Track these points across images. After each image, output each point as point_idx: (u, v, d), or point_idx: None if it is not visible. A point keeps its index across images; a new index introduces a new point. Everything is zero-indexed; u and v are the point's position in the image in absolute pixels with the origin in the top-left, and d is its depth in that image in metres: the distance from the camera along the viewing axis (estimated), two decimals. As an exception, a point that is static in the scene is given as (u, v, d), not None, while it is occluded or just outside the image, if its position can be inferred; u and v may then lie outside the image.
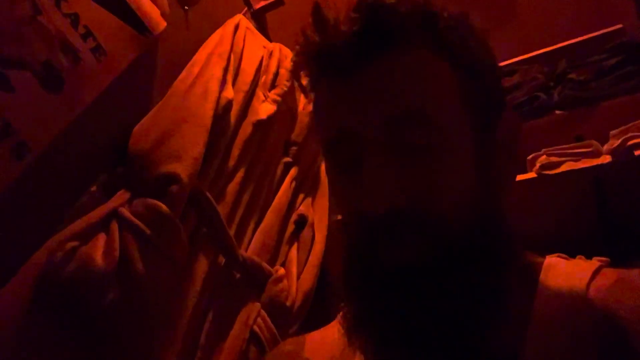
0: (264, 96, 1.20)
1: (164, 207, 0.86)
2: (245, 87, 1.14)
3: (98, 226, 0.82)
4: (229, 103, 1.05)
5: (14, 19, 0.76)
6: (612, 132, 1.21)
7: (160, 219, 0.86)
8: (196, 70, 1.04)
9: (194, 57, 1.09)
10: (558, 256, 0.52)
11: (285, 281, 1.10)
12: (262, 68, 1.23)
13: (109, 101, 0.91)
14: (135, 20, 0.96)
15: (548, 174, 1.25)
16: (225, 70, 1.07)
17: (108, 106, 0.91)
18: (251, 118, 1.13)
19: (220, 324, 0.98)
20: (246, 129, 1.11)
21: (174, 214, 0.87)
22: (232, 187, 1.06)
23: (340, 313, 0.50)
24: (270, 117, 1.17)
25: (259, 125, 1.14)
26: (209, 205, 0.97)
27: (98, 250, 0.79)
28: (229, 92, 1.06)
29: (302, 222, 1.23)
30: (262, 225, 1.13)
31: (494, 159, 0.48)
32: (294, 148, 1.28)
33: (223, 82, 1.05)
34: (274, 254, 1.14)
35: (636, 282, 0.45)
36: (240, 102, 1.11)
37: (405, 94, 0.44)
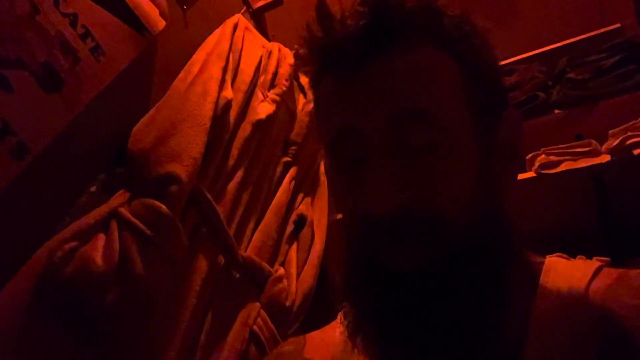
0: (263, 96, 1.20)
1: (163, 207, 0.86)
2: (244, 87, 1.13)
3: (98, 226, 0.82)
4: (228, 103, 1.05)
5: (12, 18, 0.76)
6: (611, 131, 1.22)
7: (160, 219, 0.85)
8: (195, 70, 1.04)
9: (193, 57, 1.09)
10: (558, 256, 0.52)
11: (284, 281, 1.10)
12: (261, 68, 1.22)
13: (108, 101, 0.91)
14: (134, 20, 0.96)
15: (547, 173, 1.26)
16: (224, 69, 1.07)
17: (107, 106, 0.91)
18: (250, 118, 1.13)
19: (220, 323, 0.98)
20: (245, 129, 1.11)
21: (173, 214, 0.87)
22: (231, 187, 1.06)
23: (341, 313, 0.50)
24: (270, 117, 1.17)
25: (258, 125, 1.14)
26: (209, 205, 0.97)
27: (98, 250, 0.79)
28: (228, 92, 1.05)
29: (301, 221, 1.23)
30: (262, 225, 1.13)
31: (495, 159, 0.48)
32: (293, 148, 1.27)
33: (222, 82, 1.04)
34: (273, 253, 1.14)
35: (636, 281, 0.45)
36: (240, 101, 1.11)
37: (410, 92, 0.43)
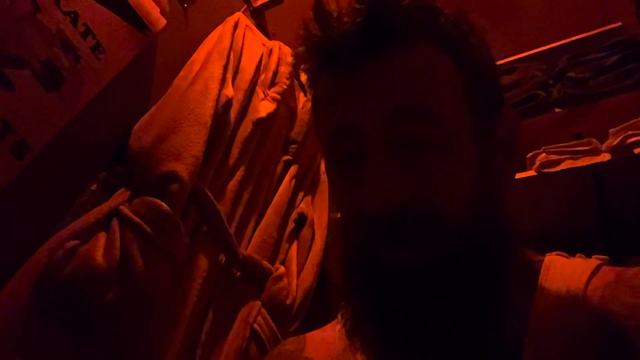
0: (264, 94, 1.20)
1: (164, 205, 0.86)
2: (245, 85, 1.13)
3: (98, 225, 0.82)
4: (229, 101, 1.05)
5: (13, 16, 0.76)
6: (612, 130, 1.21)
7: (161, 218, 0.85)
8: (196, 68, 1.04)
9: (194, 55, 1.09)
10: (558, 254, 0.52)
11: (285, 279, 1.10)
12: (262, 66, 1.22)
13: (109, 99, 0.91)
14: (134, 18, 0.95)
15: (547, 172, 1.25)
16: (225, 68, 1.06)
17: (108, 104, 0.91)
18: (251, 116, 1.13)
19: (220, 322, 0.98)
20: (246, 127, 1.11)
21: (174, 212, 0.87)
22: (232, 185, 1.06)
23: (341, 313, 0.50)
24: (270, 115, 1.17)
25: (259, 123, 1.14)
26: (209, 204, 0.97)
27: (98, 249, 0.79)
28: (228, 90, 1.05)
29: (302, 220, 1.23)
30: (262, 223, 1.13)
31: (494, 157, 0.48)
32: (294, 146, 1.28)
33: (223, 80, 1.04)
34: (274, 252, 1.14)
35: (634, 280, 0.45)
36: (240, 100, 1.11)
37: (409, 89, 0.43)
